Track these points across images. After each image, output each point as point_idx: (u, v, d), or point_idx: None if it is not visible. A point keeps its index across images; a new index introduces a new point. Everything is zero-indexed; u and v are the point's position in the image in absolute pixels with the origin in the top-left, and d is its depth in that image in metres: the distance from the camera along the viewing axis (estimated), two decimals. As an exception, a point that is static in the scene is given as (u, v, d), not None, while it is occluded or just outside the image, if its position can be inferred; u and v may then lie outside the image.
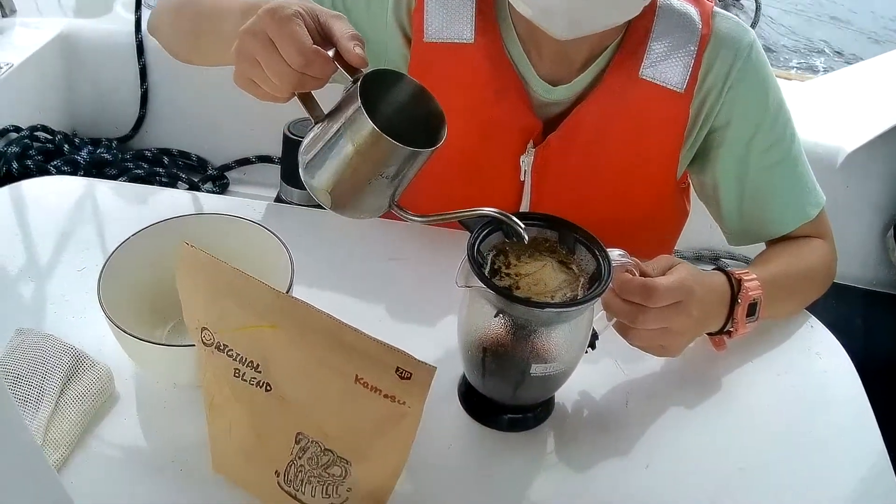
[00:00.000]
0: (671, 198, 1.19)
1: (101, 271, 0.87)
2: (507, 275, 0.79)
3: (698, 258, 1.90)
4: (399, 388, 0.65)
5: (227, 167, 2.03)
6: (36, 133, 1.93)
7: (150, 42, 1.98)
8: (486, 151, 1.11)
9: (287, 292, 0.87)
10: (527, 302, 0.74)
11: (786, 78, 1.99)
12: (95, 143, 2.01)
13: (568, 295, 0.78)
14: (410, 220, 0.81)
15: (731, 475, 0.87)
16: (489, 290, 0.74)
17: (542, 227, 0.83)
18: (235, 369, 0.75)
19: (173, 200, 1.20)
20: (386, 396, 0.66)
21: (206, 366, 0.78)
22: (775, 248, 1.14)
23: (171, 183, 1.92)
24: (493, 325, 0.77)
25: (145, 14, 1.97)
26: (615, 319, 0.89)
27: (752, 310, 0.97)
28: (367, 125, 0.74)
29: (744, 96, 1.08)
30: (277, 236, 0.94)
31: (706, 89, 1.07)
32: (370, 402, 0.67)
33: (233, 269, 0.72)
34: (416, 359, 0.64)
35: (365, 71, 0.78)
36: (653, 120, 1.08)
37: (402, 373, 0.64)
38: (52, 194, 1.19)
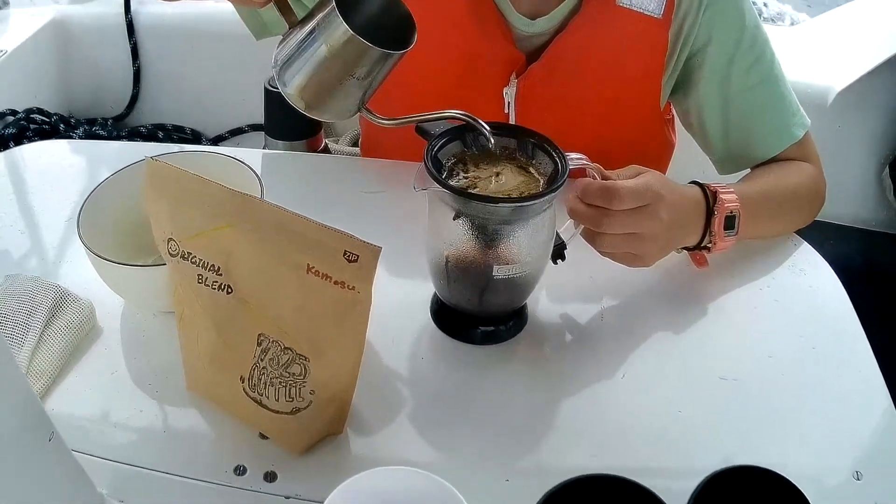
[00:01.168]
0: (655, 128, 1.19)
1: (81, 206, 0.90)
2: (465, 178, 0.79)
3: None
4: (348, 273, 0.65)
5: (221, 138, 2.05)
6: (32, 115, 1.94)
7: (140, 21, 2.00)
8: (468, 86, 1.11)
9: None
10: (482, 198, 0.74)
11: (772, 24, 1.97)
12: (91, 123, 2.03)
13: (525, 194, 0.77)
14: (378, 122, 0.82)
15: (712, 385, 0.87)
16: (444, 189, 0.74)
17: (500, 136, 0.83)
18: (199, 275, 0.76)
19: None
20: (336, 283, 0.66)
21: (173, 278, 0.79)
22: (759, 168, 1.14)
23: (166, 157, 1.94)
24: (452, 228, 0.78)
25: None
26: (582, 227, 0.88)
27: (730, 223, 0.96)
28: (340, 26, 0.75)
29: (720, 15, 1.08)
30: (251, 167, 0.95)
31: (682, 13, 1.07)
32: (322, 292, 0.67)
33: (193, 176, 0.73)
34: (360, 240, 0.64)
35: None
36: (632, 47, 1.09)
37: (349, 256, 0.64)
38: (47, 155, 1.22)
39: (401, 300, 0.93)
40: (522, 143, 0.83)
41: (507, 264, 0.78)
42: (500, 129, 0.83)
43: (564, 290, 0.95)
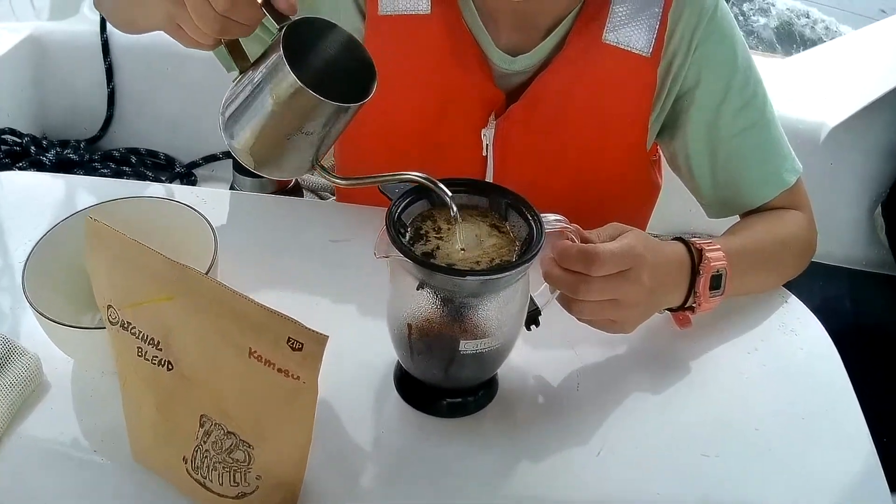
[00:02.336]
0: (641, 170, 1.13)
1: (27, 259, 0.84)
2: (436, 237, 0.73)
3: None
4: (292, 361, 0.59)
5: (195, 164, 1.98)
6: (3, 136, 1.88)
7: (116, 41, 1.94)
8: (445, 126, 1.05)
9: (209, 271, 0.81)
10: (447, 270, 0.67)
11: (763, 55, 1.92)
12: (64, 145, 1.96)
13: (496, 261, 0.71)
14: (332, 181, 0.77)
15: (694, 462, 0.80)
16: (407, 258, 0.67)
17: (470, 194, 0.76)
18: (138, 348, 0.69)
19: (125, 191, 1.14)
20: (280, 371, 0.59)
21: (114, 346, 0.73)
22: (747, 219, 1.08)
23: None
24: (416, 298, 0.71)
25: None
26: (558, 292, 0.82)
27: (716, 282, 0.90)
28: (288, 77, 0.69)
29: (711, 55, 1.02)
30: (204, 216, 0.88)
31: (672, 51, 1.01)
32: (265, 378, 0.61)
33: (132, 241, 0.67)
34: (306, 327, 0.57)
35: (294, 18, 0.73)
36: (618, 87, 1.03)
37: (293, 343, 0.58)
38: (3, 188, 1.14)
39: (363, 364, 0.86)
40: (495, 202, 0.77)
41: (476, 338, 0.72)
42: (470, 186, 0.77)
43: (538, 355, 0.88)
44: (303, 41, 0.73)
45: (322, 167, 0.76)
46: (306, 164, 0.76)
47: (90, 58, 1.96)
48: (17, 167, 1.81)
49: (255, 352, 0.60)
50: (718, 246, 0.91)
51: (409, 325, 0.73)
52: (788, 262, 1.04)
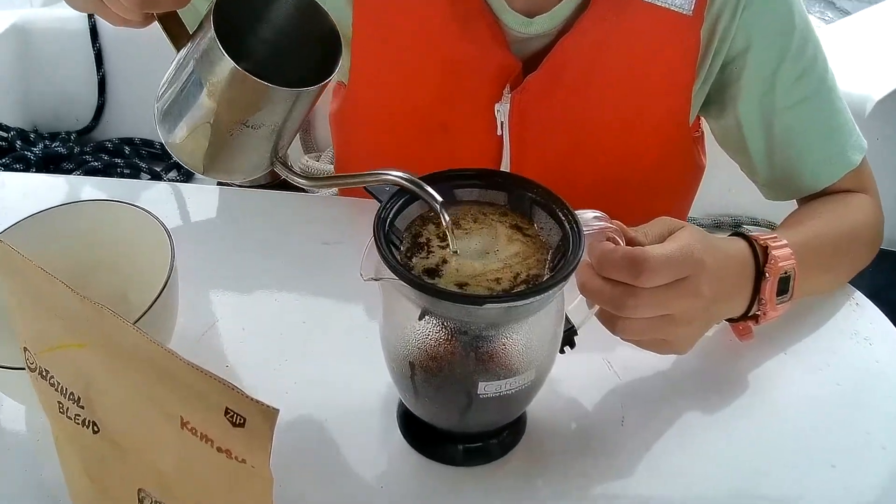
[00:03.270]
0: (683, 149, 0.93)
1: None
2: (435, 253, 0.54)
3: (717, 226, 1.61)
4: (233, 440, 0.40)
5: (193, 155, 1.79)
6: (-10, 131, 1.71)
7: (104, 25, 1.75)
8: (452, 103, 0.87)
9: (163, 288, 0.63)
10: (458, 296, 0.48)
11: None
12: (53, 138, 1.78)
13: (523, 277, 0.52)
14: (296, 181, 0.59)
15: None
16: (403, 282, 0.48)
17: (484, 188, 0.57)
18: (59, 402, 0.51)
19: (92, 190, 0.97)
20: (220, 450, 0.41)
21: (38, 396, 0.55)
22: (809, 206, 0.88)
23: (133, 174, 1.68)
24: (418, 330, 0.52)
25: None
26: (597, 307, 0.63)
27: (783, 285, 0.71)
28: (220, 59, 0.52)
29: (763, 14, 0.83)
30: (160, 221, 0.70)
31: (717, 8, 0.82)
32: (204, 456, 0.42)
33: (40, 271, 0.48)
34: (249, 398, 0.39)
35: None
36: (656, 50, 0.84)
37: (232, 417, 0.39)
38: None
39: (359, 395, 0.68)
40: (517, 197, 0.58)
41: (499, 378, 0.53)
42: (484, 178, 0.58)
43: (574, 382, 0.69)
44: (246, 10, 0.57)
45: (283, 164, 0.59)
46: (262, 162, 0.59)
47: (78, 44, 1.78)
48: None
49: (188, 423, 0.42)
50: (785, 241, 0.72)
51: (412, 364, 0.54)
52: (858, 257, 0.86)
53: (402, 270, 0.48)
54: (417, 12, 0.83)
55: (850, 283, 0.85)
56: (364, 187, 0.57)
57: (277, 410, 0.38)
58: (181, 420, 0.42)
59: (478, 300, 0.48)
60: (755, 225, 1.61)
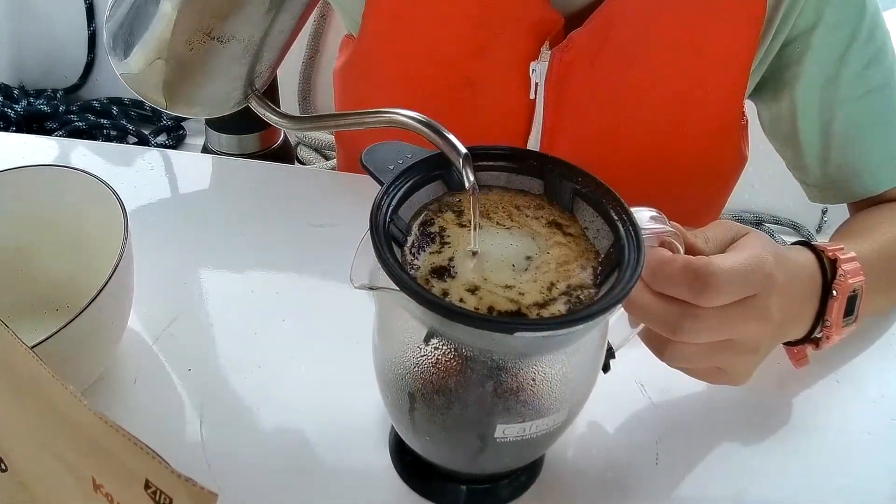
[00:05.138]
0: (733, 134, 0.80)
1: None
2: (447, 247, 0.40)
3: (738, 222, 1.49)
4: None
5: (183, 117, 1.64)
6: (-28, 87, 1.56)
7: (98, -23, 1.60)
8: (481, 58, 0.73)
9: (112, 273, 0.49)
10: (480, 320, 0.34)
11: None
12: (39, 95, 1.64)
13: (560, 289, 0.38)
14: (272, 120, 0.45)
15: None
16: (406, 294, 0.34)
17: (514, 171, 0.43)
18: (-44, 433, 0.37)
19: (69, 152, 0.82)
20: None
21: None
22: (870, 213, 0.75)
23: (120, 136, 1.54)
24: (421, 355, 0.38)
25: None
26: (642, 325, 0.50)
27: (850, 305, 0.57)
28: None
29: None
30: (115, 192, 0.56)
31: None
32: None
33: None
34: (177, 474, 0.25)
35: None
36: (719, 17, 0.71)
37: (155, 493, 0.26)
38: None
39: (343, 413, 0.55)
40: (555, 185, 0.44)
41: (522, 421, 0.39)
42: (517, 159, 0.44)
43: (602, 408, 0.56)
44: None
45: (259, 98, 0.45)
46: (233, 91, 0.46)
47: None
48: (-22, 121, 1.49)
49: (102, 487, 0.28)
50: (853, 254, 0.59)
51: (412, 396, 0.40)
52: None
53: (405, 278, 0.34)
54: None
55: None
56: (361, 164, 0.43)
57: (215, 496, 0.25)
58: (94, 482, 0.28)
59: (507, 326, 0.34)
60: (777, 223, 1.47)
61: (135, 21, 0.42)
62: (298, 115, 0.46)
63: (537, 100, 0.73)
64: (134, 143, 1.55)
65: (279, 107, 0.47)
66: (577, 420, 0.54)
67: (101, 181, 0.57)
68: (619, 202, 0.41)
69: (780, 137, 0.80)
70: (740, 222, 1.36)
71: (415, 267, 0.38)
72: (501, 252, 0.40)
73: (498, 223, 0.42)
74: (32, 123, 1.54)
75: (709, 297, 0.45)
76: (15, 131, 1.50)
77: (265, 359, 0.59)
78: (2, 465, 0.37)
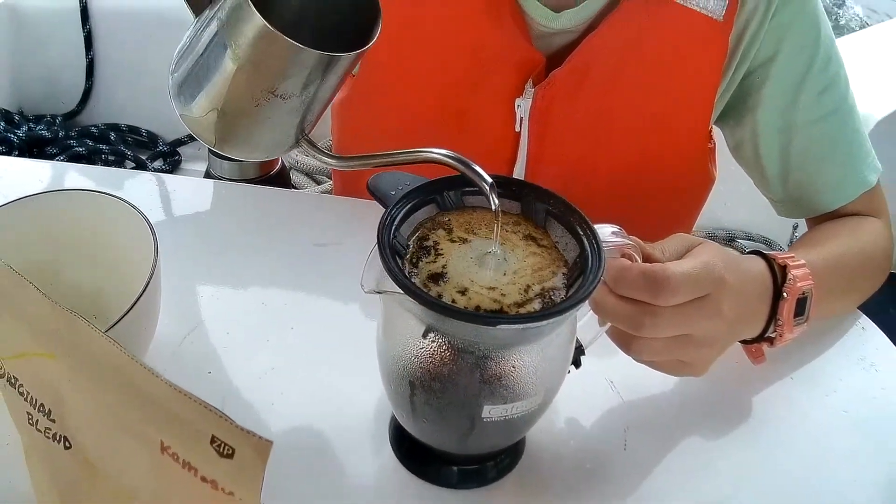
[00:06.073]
0: (700, 156, 0.89)
1: None
2: (441, 256, 0.49)
3: (711, 239, 1.58)
4: (220, 471, 0.35)
5: (180, 142, 1.73)
6: (-27, 112, 1.64)
7: (96, 6, 1.69)
8: (471, 93, 0.82)
9: (145, 288, 0.58)
10: (469, 315, 0.44)
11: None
12: (39, 120, 1.72)
13: (535, 290, 0.47)
14: (323, 161, 0.54)
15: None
16: (409, 297, 0.43)
17: (497, 196, 0.52)
18: (28, 413, 0.46)
19: (76, 178, 0.91)
20: (204, 480, 0.36)
21: (7, 405, 0.49)
22: (824, 227, 0.85)
23: (118, 161, 1.62)
24: (420, 348, 0.47)
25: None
26: (609, 325, 0.59)
27: (800, 306, 0.67)
28: (250, 16, 0.47)
29: (791, 24, 0.80)
30: (144, 216, 0.64)
31: (746, 15, 0.79)
32: (186, 486, 0.37)
33: (8, 271, 0.43)
34: (238, 427, 0.34)
35: None
36: (684, 54, 0.80)
37: (220, 447, 0.34)
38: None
39: (348, 408, 0.63)
40: (531, 206, 0.53)
41: (505, 402, 0.48)
42: (499, 185, 0.53)
43: (575, 402, 0.65)
44: None
45: (310, 142, 0.54)
46: (287, 138, 0.54)
47: (68, 26, 1.71)
48: (-18, 146, 1.57)
49: (169, 448, 0.37)
50: (803, 261, 0.68)
51: (412, 384, 0.49)
52: (870, 281, 0.82)
53: (408, 284, 0.43)
54: (446, 4, 0.79)
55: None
56: (368, 189, 0.52)
57: (270, 443, 0.33)
58: (161, 445, 0.37)
59: (491, 319, 0.43)
60: (749, 239, 1.57)
61: (201, 75, 0.50)
62: (343, 157, 0.54)
63: (522, 132, 0.82)
64: (132, 168, 1.63)
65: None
66: (554, 412, 0.64)
67: (131, 205, 0.65)
68: (584, 220, 0.50)
69: (744, 159, 0.89)
70: (714, 239, 1.48)
71: (414, 274, 0.47)
72: (484, 261, 0.50)
73: (483, 237, 0.51)
74: (34, 148, 1.62)
75: (665, 297, 0.54)
76: (17, 155, 1.58)
77: (277, 362, 0.67)
78: (67, 443, 0.46)
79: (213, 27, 0.50)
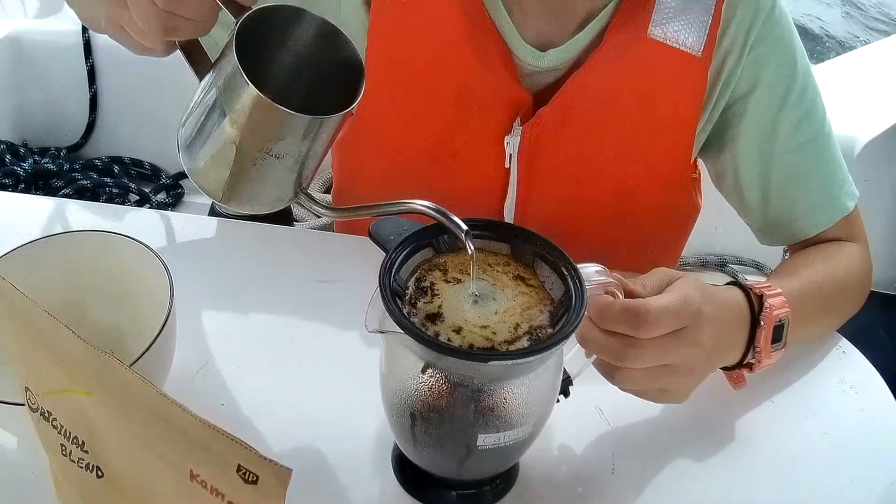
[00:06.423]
0: (683, 188, 0.94)
1: None
2: (437, 296, 0.54)
3: (703, 264, 1.63)
4: (244, 496, 0.40)
5: (183, 175, 1.78)
6: (-22, 144, 1.70)
7: (99, 41, 1.75)
8: (462, 132, 0.87)
9: (162, 328, 0.63)
10: (463, 353, 0.49)
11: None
12: (43, 153, 1.77)
13: (524, 328, 0.53)
14: (319, 212, 0.59)
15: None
16: (410, 336, 0.49)
17: (487, 238, 0.58)
18: (62, 445, 0.51)
19: (85, 217, 0.96)
20: (231, 505, 0.41)
21: (40, 437, 0.54)
22: (802, 254, 0.90)
23: (121, 194, 1.68)
24: (420, 382, 0.52)
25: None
26: (594, 356, 0.64)
27: (777, 333, 0.72)
28: (242, 86, 0.52)
29: (768, 58, 0.84)
30: (159, 257, 0.70)
31: (724, 51, 0.84)
32: (215, 512, 0.42)
33: (41, 312, 0.48)
34: (261, 456, 0.39)
35: (253, 8, 0.55)
36: (666, 90, 0.85)
37: (245, 474, 0.39)
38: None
39: (352, 435, 0.68)
40: (519, 248, 0.58)
41: (498, 431, 0.53)
42: (489, 229, 0.59)
43: (565, 429, 0.70)
44: (268, 36, 0.57)
45: (308, 195, 0.59)
46: (286, 194, 0.59)
47: (71, 58, 1.77)
48: (-10, 178, 1.62)
49: (198, 476, 0.42)
50: (779, 290, 0.73)
51: (413, 415, 0.54)
52: (847, 306, 0.87)
53: (409, 325, 0.48)
54: (432, 39, 0.84)
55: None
56: (370, 235, 0.57)
57: (290, 470, 0.38)
58: (190, 473, 0.42)
59: (483, 357, 0.49)
60: (741, 264, 1.62)
61: (203, 137, 0.55)
62: (339, 206, 0.59)
63: (511, 169, 0.86)
64: (136, 201, 1.68)
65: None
66: (545, 439, 0.69)
67: (147, 247, 0.70)
68: (569, 261, 0.56)
69: (725, 188, 0.94)
70: (705, 264, 1.52)
71: (413, 314, 0.53)
72: (477, 300, 0.55)
73: (476, 277, 0.57)
74: (39, 181, 1.67)
75: (645, 329, 0.60)
76: (24, 188, 1.64)
77: (285, 394, 0.72)
78: (99, 472, 0.51)
79: (213, 94, 0.55)
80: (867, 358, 0.83)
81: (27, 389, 0.52)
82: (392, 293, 0.51)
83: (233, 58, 0.51)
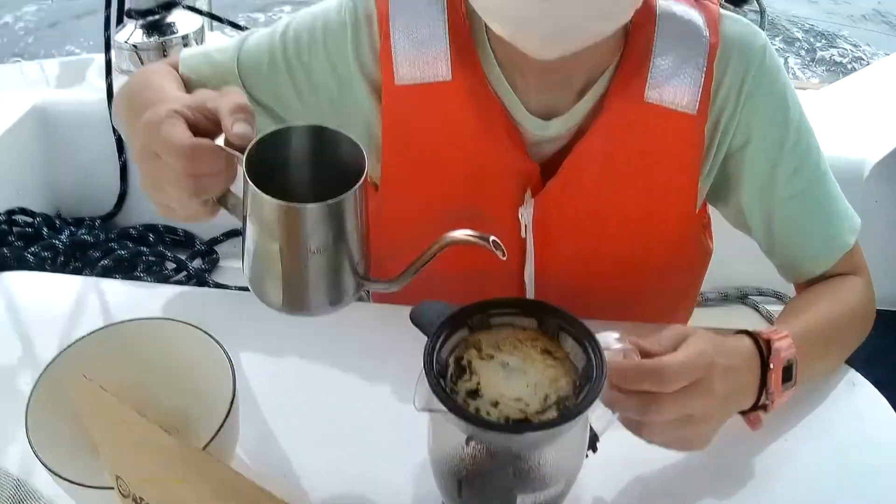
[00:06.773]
0: (692, 236, 1.01)
1: (30, 397, 0.73)
2: (474, 375, 0.63)
3: (724, 298, 1.69)
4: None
5: (216, 240, 1.87)
6: (15, 217, 1.79)
7: (126, 113, 1.83)
8: (478, 207, 0.93)
9: (227, 415, 0.71)
10: (502, 427, 0.57)
11: (800, 88, 1.81)
12: (78, 224, 1.86)
13: (552, 399, 0.60)
14: (381, 290, 0.67)
15: None
16: (454, 415, 0.57)
17: (514, 315, 0.66)
18: (153, 528, 0.59)
19: (131, 296, 1.05)
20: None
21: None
22: (806, 295, 0.96)
23: (158, 262, 1.76)
24: (465, 452, 0.61)
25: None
26: (618, 413, 0.71)
27: (787, 373, 0.79)
28: (263, 201, 0.60)
29: (761, 109, 0.90)
30: (219, 343, 0.77)
31: (719, 105, 0.90)
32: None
33: (130, 412, 0.56)
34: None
35: (251, 144, 0.63)
36: (665, 150, 0.91)
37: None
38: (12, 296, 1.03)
39: (405, 499, 0.76)
40: (545, 321, 0.66)
41: (535, 490, 0.61)
42: (517, 306, 0.67)
43: (593, 480, 0.76)
44: (276, 157, 0.65)
45: (368, 278, 0.66)
46: (350, 285, 0.66)
47: (98, 128, 1.82)
48: (29, 252, 1.71)
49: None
50: (786, 333, 0.80)
51: (459, 482, 0.62)
52: (854, 338, 0.94)
53: (454, 406, 0.57)
54: (442, 119, 0.90)
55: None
56: (411, 319, 0.65)
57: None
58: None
59: (518, 429, 0.57)
60: (761, 295, 1.68)
61: (261, 263, 0.63)
62: (397, 276, 0.66)
63: (528, 238, 0.93)
64: (173, 269, 1.75)
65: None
66: (579, 489, 0.76)
67: (207, 333, 0.78)
68: (588, 332, 0.63)
69: (740, 227, 1.01)
70: (726, 298, 1.58)
71: (455, 392, 0.61)
72: (510, 375, 0.63)
73: (508, 353, 0.64)
74: (76, 252, 1.77)
75: (665, 384, 0.67)
76: (63, 261, 1.72)
77: (341, 462, 0.79)
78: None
79: (249, 223, 0.63)
80: (882, 378, 0.88)
81: (119, 478, 0.60)
82: (436, 376, 0.59)
83: (248, 183, 0.59)
